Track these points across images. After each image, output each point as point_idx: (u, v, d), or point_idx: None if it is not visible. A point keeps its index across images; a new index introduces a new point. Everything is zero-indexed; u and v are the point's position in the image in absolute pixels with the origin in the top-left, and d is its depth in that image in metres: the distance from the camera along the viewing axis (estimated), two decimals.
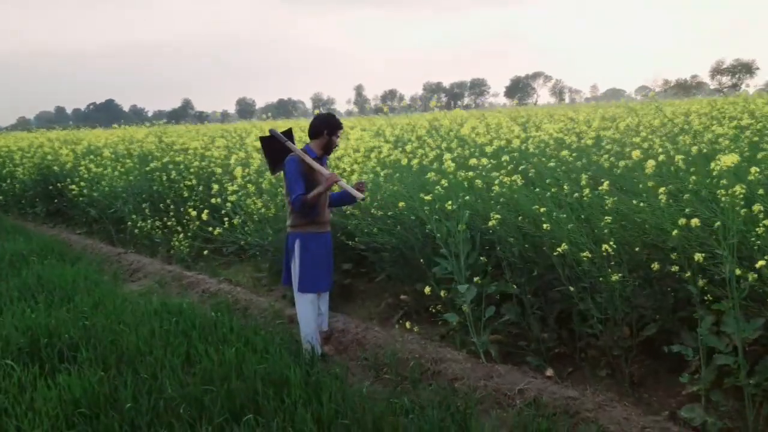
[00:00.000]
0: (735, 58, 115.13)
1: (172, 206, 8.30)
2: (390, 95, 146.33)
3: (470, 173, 4.70)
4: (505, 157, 4.46)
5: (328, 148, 4.54)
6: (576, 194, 3.98)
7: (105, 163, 9.19)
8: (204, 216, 6.34)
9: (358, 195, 4.25)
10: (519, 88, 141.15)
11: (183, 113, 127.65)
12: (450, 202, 4.07)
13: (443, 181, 4.50)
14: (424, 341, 4.67)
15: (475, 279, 4.28)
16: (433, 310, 4.73)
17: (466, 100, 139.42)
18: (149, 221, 8.27)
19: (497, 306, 4.32)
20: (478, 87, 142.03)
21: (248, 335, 4.57)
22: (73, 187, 9.59)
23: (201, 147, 8.94)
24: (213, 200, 6.79)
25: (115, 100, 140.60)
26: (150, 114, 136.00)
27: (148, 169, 8.78)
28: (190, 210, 7.68)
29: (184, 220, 7.92)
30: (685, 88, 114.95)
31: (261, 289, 6.60)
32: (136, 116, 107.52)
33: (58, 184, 10.39)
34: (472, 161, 4.44)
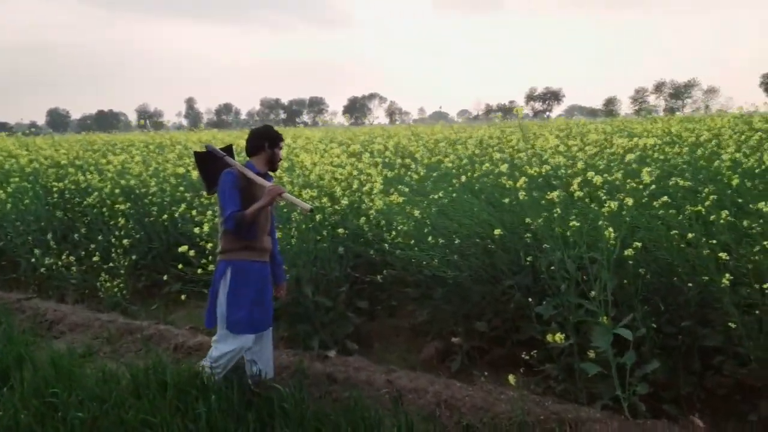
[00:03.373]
0: (545, 86, 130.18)
1: (85, 238, 6.64)
2: (225, 109, 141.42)
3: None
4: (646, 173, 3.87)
5: (272, 162, 3.91)
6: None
7: None
8: (185, 250, 4.94)
9: (305, 206, 3.61)
10: (356, 108, 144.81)
11: None
12: (610, 230, 3.43)
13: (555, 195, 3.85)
14: (533, 397, 3.95)
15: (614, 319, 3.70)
16: (527, 357, 4.03)
17: (305, 118, 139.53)
18: (63, 257, 6.48)
19: (630, 349, 3.70)
20: (317, 105, 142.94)
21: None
22: None
23: (118, 162, 7.31)
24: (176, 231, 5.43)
25: None
26: None
27: (55, 189, 6.93)
28: (124, 242, 6.19)
29: (115, 254, 6.34)
30: (504, 112, 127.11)
31: None
32: None
33: None
34: (596, 179, 3.85)
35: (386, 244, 4.58)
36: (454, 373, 4.58)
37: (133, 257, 6.34)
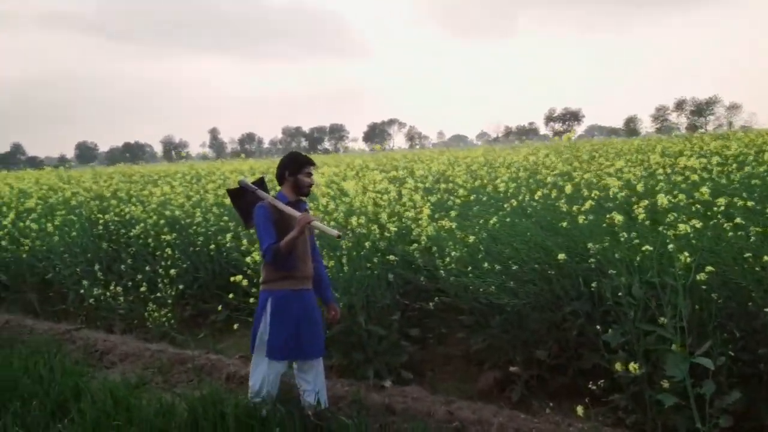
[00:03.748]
0: (564, 107, 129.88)
1: (130, 269, 6.71)
2: (248, 138, 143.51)
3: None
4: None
5: (299, 188, 3.91)
6: None
7: (33, 216, 7.20)
8: (239, 279, 4.92)
9: (334, 232, 3.60)
10: (376, 134, 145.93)
11: (11, 159, 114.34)
12: (686, 254, 3.34)
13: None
14: (606, 429, 3.81)
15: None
16: (594, 387, 3.89)
17: (327, 144, 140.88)
18: (110, 288, 6.54)
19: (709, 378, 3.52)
20: (337, 132, 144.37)
21: None
22: None
23: (160, 194, 7.40)
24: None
25: None
26: None
27: (101, 221, 7.03)
28: (171, 272, 6.23)
29: (162, 284, 6.38)
30: (523, 134, 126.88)
31: None
32: None
33: None
34: (662, 201, 3.76)
35: (441, 271, 4.51)
36: (515, 404, 4.47)
37: (180, 287, 6.37)
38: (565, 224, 4.15)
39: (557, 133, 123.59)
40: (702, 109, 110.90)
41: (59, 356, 5.43)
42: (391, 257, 4.84)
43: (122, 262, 6.93)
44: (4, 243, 7.02)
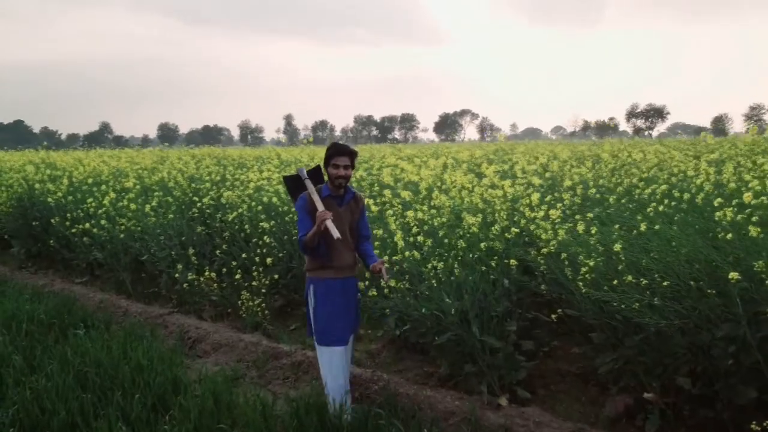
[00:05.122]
0: (648, 102, 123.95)
1: (224, 254, 6.57)
2: (321, 126, 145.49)
3: None
4: None
5: (333, 181, 3.94)
6: None
7: (130, 196, 7.19)
8: None
9: (335, 233, 3.66)
10: (447, 124, 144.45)
11: (100, 137, 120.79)
12: None
13: None
14: None
15: None
16: (757, 427, 3.30)
17: (397, 134, 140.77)
18: (205, 273, 6.42)
19: None
20: (408, 121, 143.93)
21: None
22: (82, 225, 7.50)
23: (257, 179, 7.21)
24: None
25: (24, 121, 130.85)
26: (63, 137, 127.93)
27: (199, 204, 6.93)
28: (267, 260, 6.02)
29: (256, 272, 6.19)
30: (603, 129, 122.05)
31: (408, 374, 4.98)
32: (48, 139, 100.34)
33: (52, 220, 8.17)
34: None
35: (572, 282, 4.00)
36: None
37: (275, 276, 6.15)
38: (730, 236, 3.55)
39: (638, 130, 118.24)
40: None
41: (155, 344, 5.30)
42: (512, 262, 4.37)
43: (216, 247, 6.80)
44: (103, 222, 7.02)
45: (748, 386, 3.68)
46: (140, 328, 5.85)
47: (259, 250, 6.28)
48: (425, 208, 4.61)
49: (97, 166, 9.43)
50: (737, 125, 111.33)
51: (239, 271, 6.26)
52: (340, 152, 3.89)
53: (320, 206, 3.79)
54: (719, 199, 3.62)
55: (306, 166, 4.31)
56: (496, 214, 4.86)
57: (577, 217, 4.73)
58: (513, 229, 4.44)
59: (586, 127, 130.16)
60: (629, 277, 3.81)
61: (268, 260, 6.05)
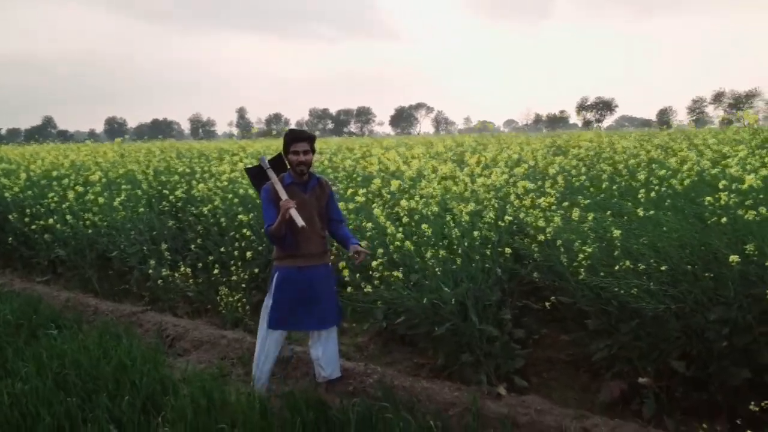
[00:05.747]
0: (597, 96, 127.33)
1: (200, 248, 6.36)
2: (275, 119, 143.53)
3: None
4: None
5: (294, 168, 3.97)
6: None
7: (96, 190, 6.84)
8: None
9: (299, 222, 3.72)
10: (403, 118, 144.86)
11: (43, 131, 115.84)
12: None
13: None
14: None
15: None
16: (756, 407, 3.37)
17: (353, 128, 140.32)
18: (181, 269, 6.18)
19: None
20: (364, 115, 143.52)
21: None
22: (44, 220, 7.11)
23: (230, 171, 7.00)
24: None
25: None
26: (3, 131, 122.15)
27: (172, 198, 6.66)
28: (247, 254, 5.85)
29: (235, 266, 5.99)
30: (554, 122, 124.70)
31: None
32: None
33: (9, 216, 7.70)
34: None
35: (576, 268, 4.01)
36: (647, 420, 3.99)
37: (255, 270, 5.98)
38: (724, 220, 3.61)
39: (587, 123, 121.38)
40: (741, 102, 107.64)
41: (135, 341, 5.07)
42: (507, 250, 4.35)
43: (189, 242, 6.56)
44: (68, 217, 6.67)
45: (741, 368, 3.77)
46: (114, 327, 5.58)
47: (237, 244, 6.09)
48: (417, 198, 4.54)
49: (55, 160, 8.96)
50: (681, 116, 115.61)
51: (216, 265, 6.06)
52: (297, 138, 3.90)
53: (284, 195, 3.80)
54: (723, 182, 3.67)
55: (267, 156, 4.27)
56: (485, 203, 4.84)
57: (565, 204, 4.76)
58: (506, 217, 4.43)
59: (537, 120, 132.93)
60: (627, 263, 3.84)
61: (248, 254, 5.87)
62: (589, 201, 4.41)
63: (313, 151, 4.00)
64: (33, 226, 7.32)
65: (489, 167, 6.02)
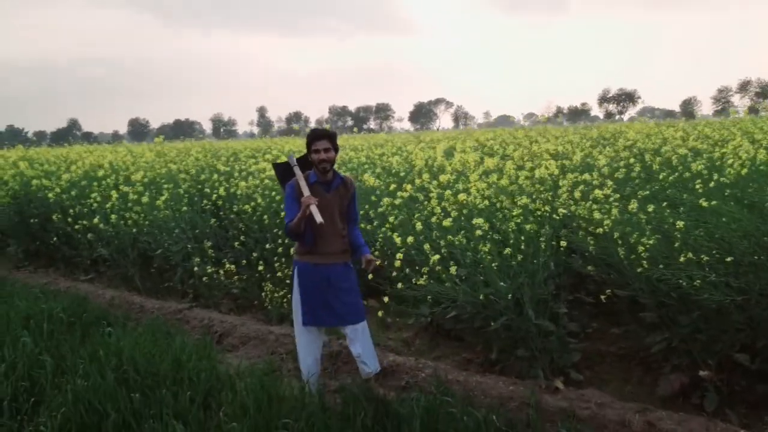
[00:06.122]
0: (619, 87, 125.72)
1: (242, 246, 6.40)
2: (295, 117, 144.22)
3: None
4: None
5: (316, 167, 4.00)
6: None
7: (138, 189, 6.93)
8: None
9: (318, 218, 3.72)
10: (422, 114, 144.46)
11: (68, 134, 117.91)
12: None
13: None
14: None
15: None
16: None
17: (372, 124, 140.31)
18: (226, 266, 6.24)
19: None
20: (383, 111, 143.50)
21: None
22: (87, 220, 7.22)
23: (268, 169, 7.02)
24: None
25: None
26: (30, 134, 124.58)
27: (215, 196, 6.72)
28: (292, 250, 5.84)
29: (279, 262, 6.02)
30: (576, 114, 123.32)
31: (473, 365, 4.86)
32: (15, 137, 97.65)
33: (54, 216, 7.84)
34: None
35: (636, 261, 3.93)
36: (710, 414, 3.91)
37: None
38: None
39: (609, 115, 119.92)
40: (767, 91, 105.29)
41: (187, 339, 5.12)
42: (563, 243, 4.29)
43: (233, 239, 6.61)
44: (113, 217, 6.76)
45: None
46: (164, 324, 5.65)
47: (279, 241, 6.11)
48: (473, 190, 4.50)
49: (94, 161, 9.09)
50: (705, 108, 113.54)
51: (261, 262, 6.09)
52: (318, 137, 3.94)
53: (306, 191, 3.84)
54: None
55: (296, 153, 4.32)
56: (534, 195, 4.79)
57: (617, 196, 4.68)
58: (560, 210, 4.37)
59: (558, 113, 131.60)
60: (689, 255, 3.76)
61: (292, 250, 5.87)
62: (647, 192, 4.32)
63: (335, 149, 4.01)
64: (76, 226, 7.44)
65: (535, 160, 5.96)
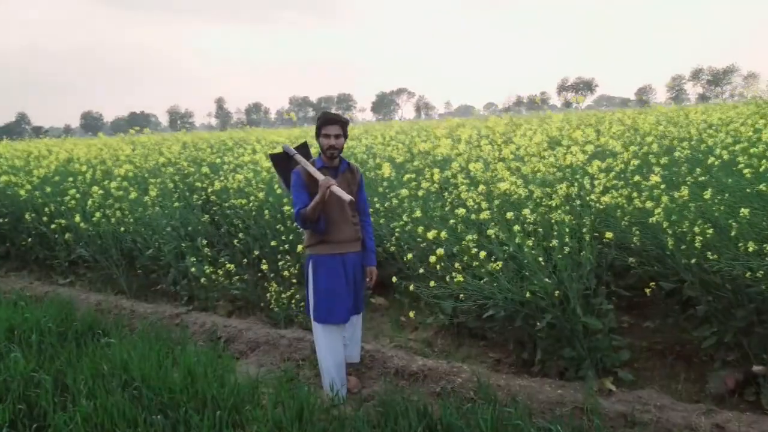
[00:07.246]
0: (577, 76, 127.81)
1: (240, 244, 5.98)
2: (255, 108, 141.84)
3: None
4: None
5: (323, 152, 3.85)
6: None
7: (124, 184, 6.38)
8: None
9: (346, 197, 3.59)
10: (384, 104, 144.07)
11: (18, 128, 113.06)
12: None
13: None
14: None
15: None
16: None
17: None
18: (225, 265, 5.79)
19: None
20: (345, 101, 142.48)
21: None
22: (65, 219, 6.64)
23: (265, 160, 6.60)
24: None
25: None
26: None
27: (208, 191, 6.24)
28: (298, 248, 5.46)
29: (283, 261, 5.62)
30: (534, 104, 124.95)
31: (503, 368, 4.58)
32: None
33: (26, 215, 7.20)
34: None
35: (674, 254, 3.71)
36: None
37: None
38: None
39: (568, 103, 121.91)
40: (719, 79, 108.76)
41: (194, 348, 4.69)
42: (608, 235, 4.03)
43: (225, 236, 6.16)
44: (97, 215, 6.21)
45: None
46: (164, 331, 5.19)
47: (284, 237, 5.70)
48: (514, 179, 4.19)
49: (69, 155, 8.41)
50: (660, 96, 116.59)
51: (264, 261, 5.67)
52: (329, 121, 3.79)
53: (319, 175, 3.67)
54: None
55: (290, 144, 4.11)
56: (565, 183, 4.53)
57: (663, 186, 4.43)
58: (603, 198, 4.11)
59: (519, 102, 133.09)
60: (751, 244, 3.55)
61: (300, 247, 5.48)
62: (700, 178, 4.10)
63: (345, 136, 3.88)
64: (52, 226, 6.84)
65: (551, 148, 5.70)
